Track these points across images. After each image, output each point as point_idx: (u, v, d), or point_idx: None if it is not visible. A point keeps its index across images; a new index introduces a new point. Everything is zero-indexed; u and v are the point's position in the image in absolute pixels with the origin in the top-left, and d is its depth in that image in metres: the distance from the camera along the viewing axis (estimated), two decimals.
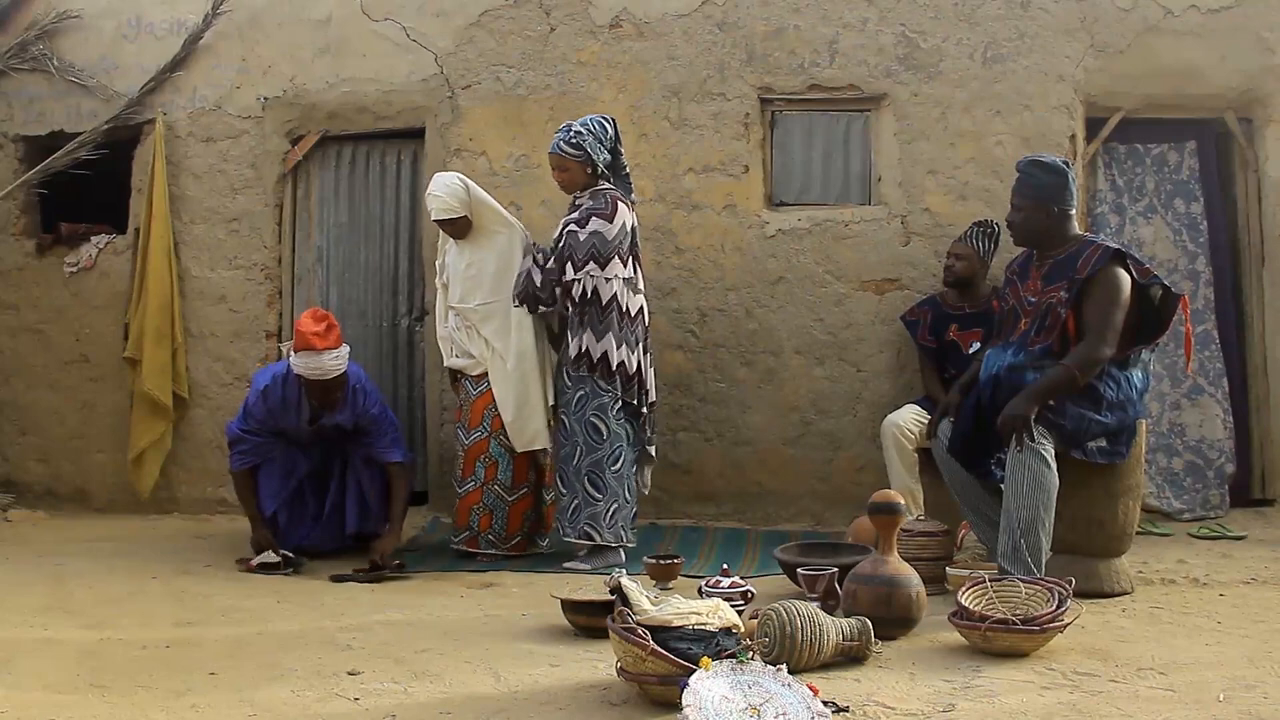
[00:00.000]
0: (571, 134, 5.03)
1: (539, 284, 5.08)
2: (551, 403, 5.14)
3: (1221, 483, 5.86)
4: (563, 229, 5.09)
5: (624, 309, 5.02)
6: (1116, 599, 4.23)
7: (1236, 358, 6.04)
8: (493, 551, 5.09)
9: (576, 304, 4.98)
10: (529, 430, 5.11)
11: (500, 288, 5.17)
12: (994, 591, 3.71)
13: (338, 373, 5.00)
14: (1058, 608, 3.52)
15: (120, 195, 6.54)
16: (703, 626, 3.11)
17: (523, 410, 5.09)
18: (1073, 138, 5.86)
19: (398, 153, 6.44)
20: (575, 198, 5.17)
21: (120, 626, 3.95)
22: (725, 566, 4.36)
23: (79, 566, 4.97)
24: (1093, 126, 5.99)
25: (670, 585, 4.42)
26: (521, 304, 5.12)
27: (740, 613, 3.50)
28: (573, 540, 4.98)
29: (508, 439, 5.09)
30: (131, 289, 6.34)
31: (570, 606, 3.87)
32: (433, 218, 5.21)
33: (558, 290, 5.03)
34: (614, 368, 4.95)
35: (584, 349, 4.95)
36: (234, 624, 4.05)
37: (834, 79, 5.99)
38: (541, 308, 5.12)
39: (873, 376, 5.89)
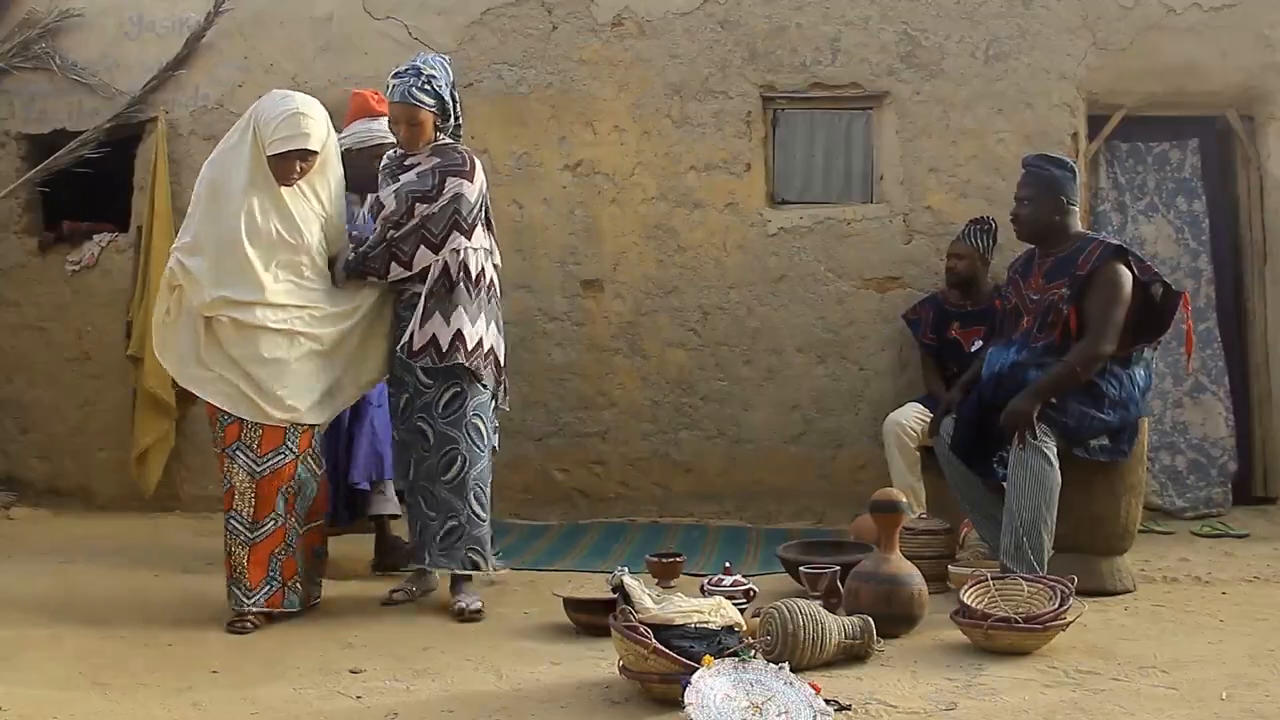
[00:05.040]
0: (423, 79, 4.13)
1: (372, 255, 4.13)
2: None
3: (1224, 481, 5.85)
4: (409, 198, 4.10)
5: (496, 288, 4.31)
6: (1119, 597, 4.23)
7: (1238, 355, 6.04)
8: (295, 609, 4.04)
9: (439, 282, 4.09)
10: (338, 399, 4.20)
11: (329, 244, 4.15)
12: (996, 589, 3.71)
13: (383, 141, 4.50)
14: (1060, 606, 3.52)
15: (123, 193, 6.54)
16: (705, 625, 3.11)
17: (343, 377, 4.17)
18: (1074, 135, 5.86)
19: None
20: (405, 155, 4.25)
21: (122, 624, 3.95)
22: (727, 565, 4.36)
23: (81, 564, 4.97)
24: (1094, 124, 5.98)
25: (672, 583, 4.41)
26: (351, 276, 4.16)
27: (742, 611, 3.50)
28: (448, 570, 4.14)
29: (314, 460, 4.07)
30: (134, 287, 6.34)
31: (572, 604, 3.88)
32: (291, 146, 3.92)
33: (393, 265, 4.12)
34: (488, 354, 4.18)
35: (455, 335, 4.06)
36: None
37: (836, 77, 5.98)
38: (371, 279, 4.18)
39: (874, 375, 5.89)
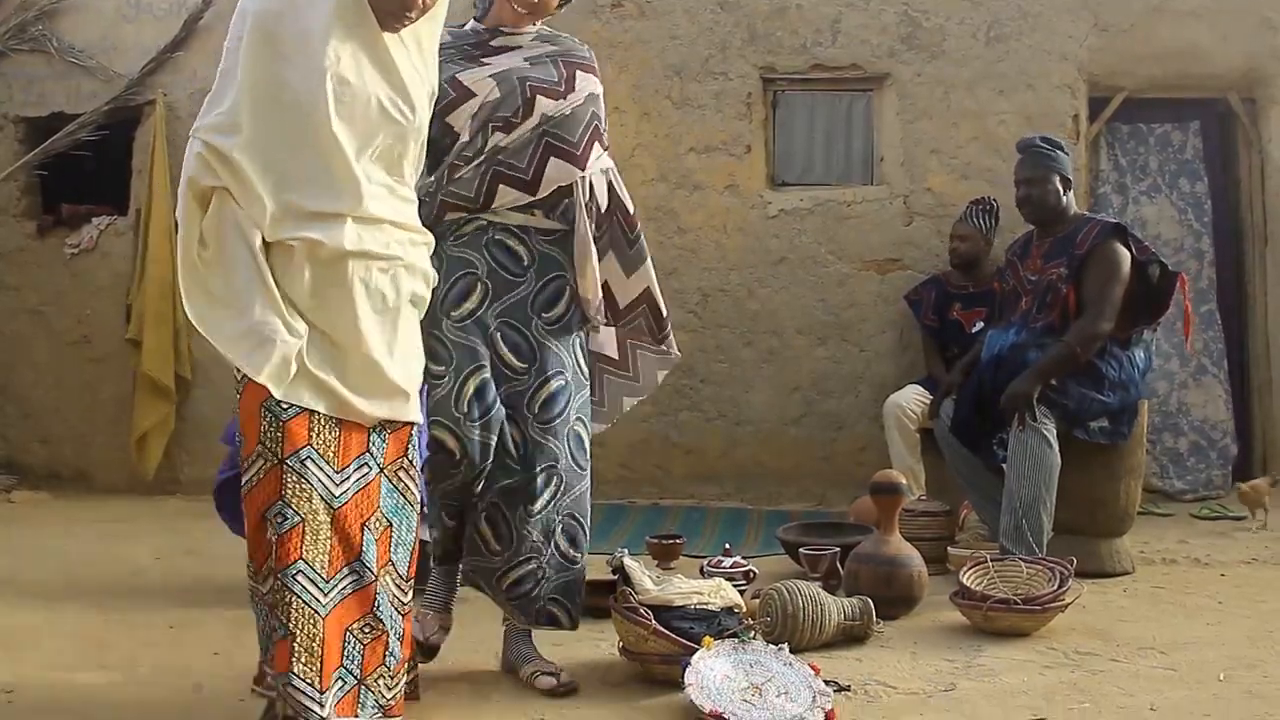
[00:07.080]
0: None
1: (462, 174, 2.92)
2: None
3: (1224, 463, 5.86)
4: (528, 89, 2.93)
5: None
6: (1118, 579, 4.24)
7: (1237, 339, 6.04)
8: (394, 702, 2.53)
9: (592, 213, 3.00)
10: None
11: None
12: (995, 571, 3.71)
13: None
14: (1059, 587, 3.53)
15: (121, 176, 6.53)
16: (705, 606, 3.11)
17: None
18: (1076, 117, 5.85)
19: None
20: (492, 32, 3.00)
21: (123, 608, 3.95)
22: (727, 546, 4.36)
23: (82, 548, 4.97)
24: (1095, 106, 5.97)
25: (672, 565, 4.42)
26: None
27: (742, 592, 3.50)
28: (520, 625, 3.07)
29: (409, 477, 2.56)
30: (133, 270, 6.33)
31: None
32: None
33: (502, 187, 2.92)
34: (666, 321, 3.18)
35: (647, 295, 3.13)
36: (237, 604, 4.04)
37: (836, 58, 5.96)
38: None
39: (875, 357, 5.89)
